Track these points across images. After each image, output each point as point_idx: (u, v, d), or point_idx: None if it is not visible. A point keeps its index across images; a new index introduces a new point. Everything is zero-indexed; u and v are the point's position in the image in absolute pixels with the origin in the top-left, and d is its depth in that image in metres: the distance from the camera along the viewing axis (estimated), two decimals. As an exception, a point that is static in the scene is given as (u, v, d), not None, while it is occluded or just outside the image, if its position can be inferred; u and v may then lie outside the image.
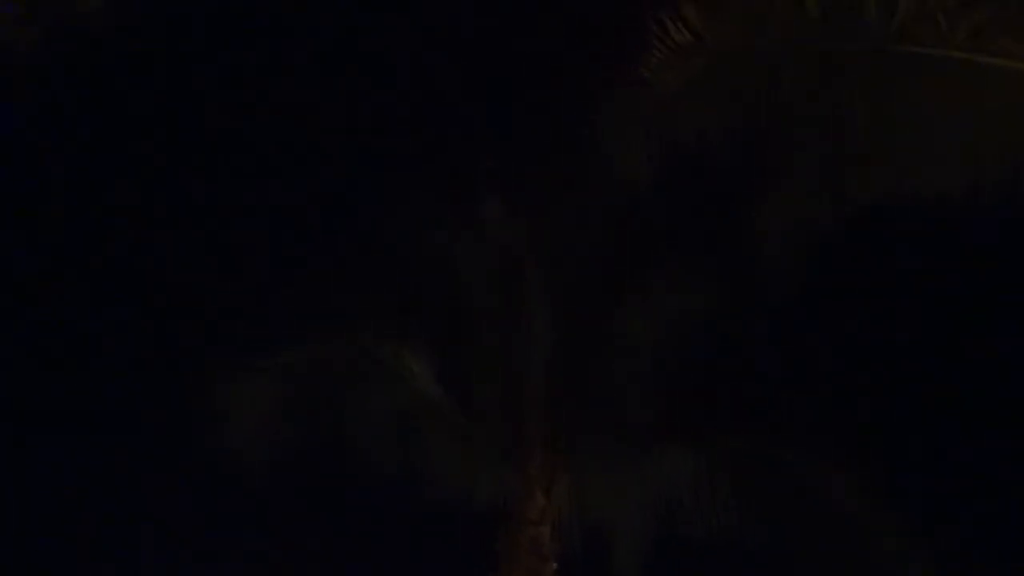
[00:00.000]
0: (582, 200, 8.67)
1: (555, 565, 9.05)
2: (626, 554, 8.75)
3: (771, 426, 8.56)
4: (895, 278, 8.57)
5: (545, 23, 8.35)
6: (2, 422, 9.71)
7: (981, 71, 6.54)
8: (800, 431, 8.53)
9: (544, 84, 8.55)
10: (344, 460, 8.96)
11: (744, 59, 6.71)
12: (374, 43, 9.03)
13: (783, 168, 7.53)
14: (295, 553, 9.79)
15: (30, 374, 9.76)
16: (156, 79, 9.04)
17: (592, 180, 8.22)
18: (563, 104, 8.20)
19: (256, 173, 9.32)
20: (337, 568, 9.87)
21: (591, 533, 8.92)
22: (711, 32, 6.56)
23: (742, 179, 7.87)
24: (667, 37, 6.60)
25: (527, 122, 8.82)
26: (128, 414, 9.80)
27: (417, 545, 9.77)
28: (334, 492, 9.44)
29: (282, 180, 9.39)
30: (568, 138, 8.03)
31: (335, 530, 9.85)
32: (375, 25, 8.89)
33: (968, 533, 8.68)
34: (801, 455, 8.58)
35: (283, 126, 9.14)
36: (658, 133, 7.10)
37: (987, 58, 6.47)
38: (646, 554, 8.75)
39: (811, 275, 8.02)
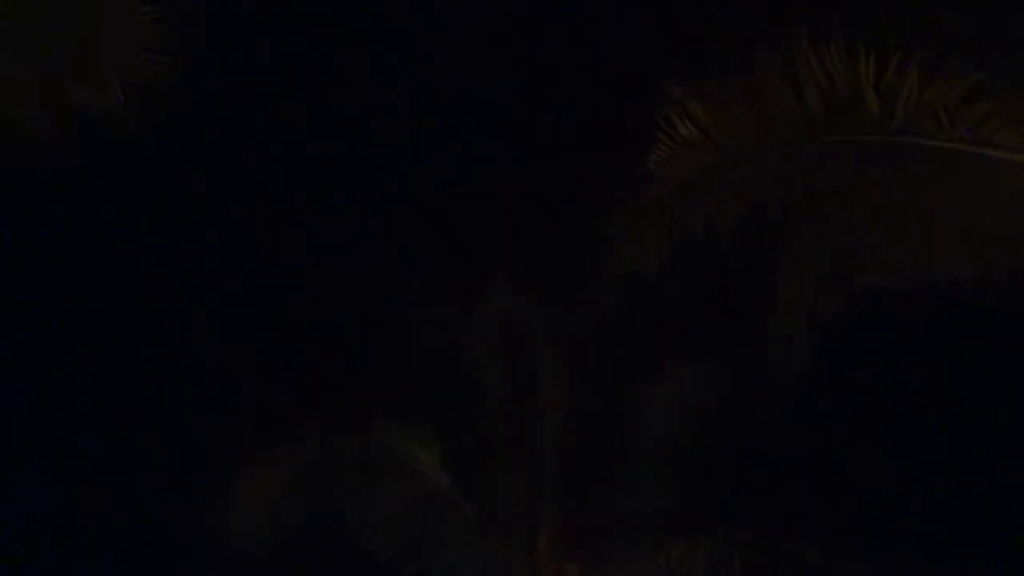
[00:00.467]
0: (593, 288, 8.74)
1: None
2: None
3: (783, 517, 8.54)
4: (906, 365, 8.60)
5: (556, 116, 8.49)
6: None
7: (985, 162, 6.63)
8: (813, 522, 8.51)
9: (554, 175, 8.66)
10: (353, 547, 8.93)
11: (750, 153, 6.80)
12: (385, 131, 9.16)
13: (792, 256, 7.60)
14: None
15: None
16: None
17: (603, 269, 8.29)
18: (573, 195, 8.31)
19: (263, 263, 9.39)
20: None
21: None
22: (717, 127, 6.67)
23: (752, 267, 7.94)
24: (675, 132, 6.70)
25: (538, 211, 8.92)
26: (140, 497, 9.80)
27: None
28: (344, 580, 9.41)
29: (293, 269, 9.46)
30: (578, 228, 8.12)
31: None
32: (388, 119, 9.04)
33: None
34: (813, 547, 8.55)
35: (286, 216, 9.24)
36: (667, 224, 7.17)
37: (990, 150, 6.56)
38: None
39: (822, 362, 8.06)
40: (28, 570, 9.79)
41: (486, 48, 8.64)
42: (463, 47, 8.60)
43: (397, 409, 9.14)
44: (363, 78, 8.92)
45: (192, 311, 9.67)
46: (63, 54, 5.98)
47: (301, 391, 9.18)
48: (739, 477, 8.60)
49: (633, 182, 7.09)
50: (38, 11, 5.88)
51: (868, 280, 7.26)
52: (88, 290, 9.57)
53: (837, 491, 8.57)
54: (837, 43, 6.47)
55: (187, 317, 9.67)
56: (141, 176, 8.92)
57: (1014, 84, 6.45)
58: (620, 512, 8.95)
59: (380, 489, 9.12)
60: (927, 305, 7.19)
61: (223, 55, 7.82)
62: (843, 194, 6.93)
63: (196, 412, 9.69)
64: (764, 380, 8.27)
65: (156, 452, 9.70)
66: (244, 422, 9.23)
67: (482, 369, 9.20)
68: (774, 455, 8.63)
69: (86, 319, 9.63)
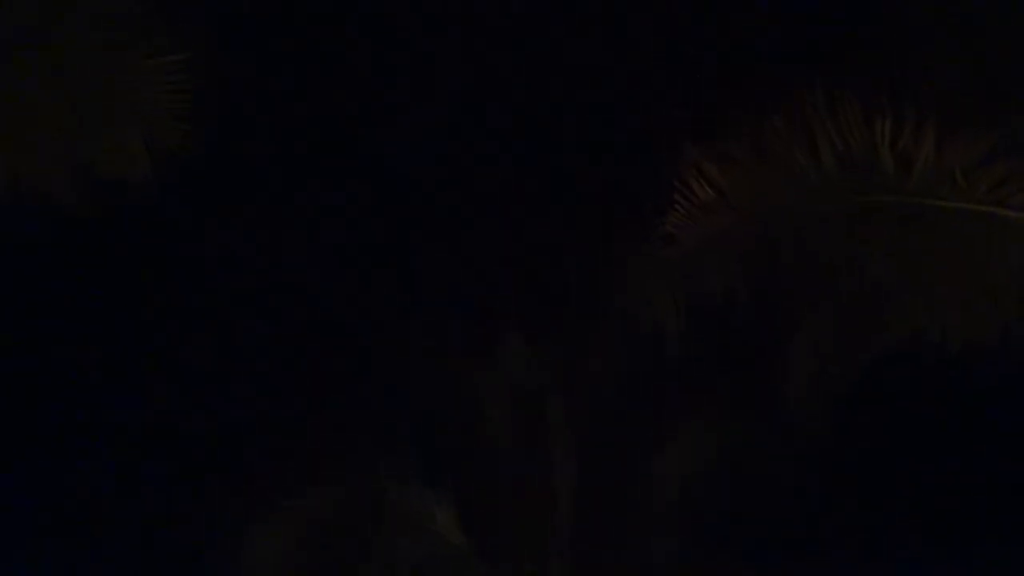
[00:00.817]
0: (607, 344, 8.73)
1: None
2: None
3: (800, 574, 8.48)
4: (925, 429, 8.54)
5: (574, 174, 8.51)
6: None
7: (1004, 223, 6.61)
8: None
9: (571, 231, 8.66)
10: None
11: (766, 214, 6.80)
12: (403, 183, 9.19)
13: (809, 318, 7.58)
14: None
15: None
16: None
17: (618, 327, 8.29)
18: (589, 251, 8.31)
19: (281, 322, 9.40)
20: None
21: None
22: (733, 189, 6.67)
23: (767, 325, 7.92)
24: (691, 194, 6.71)
25: (553, 267, 8.91)
26: (149, 551, 9.77)
27: None
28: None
29: (308, 326, 9.46)
30: (593, 285, 8.12)
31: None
32: (409, 171, 9.07)
33: None
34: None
35: (301, 276, 9.27)
36: (683, 284, 7.17)
37: (1009, 212, 6.54)
38: None
39: (839, 426, 8.01)
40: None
41: (503, 102, 8.68)
42: (474, 109, 8.64)
43: (409, 465, 9.12)
44: (384, 154, 8.99)
45: (209, 366, 9.68)
46: (91, 124, 6.04)
47: (312, 447, 9.15)
48: (752, 541, 8.53)
49: (649, 242, 7.10)
50: (65, 83, 5.94)
51: (886, 342, 7.24)
52: (102, 350, 9.60)
53: (853, 558, 8.50)
54: (852, 105, 6.48)
55: (204, 373, 9.67)
56: (167, 241, 8.97)
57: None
58: (635, 568, 8.88)
59: (392, 547, 9.08)
60: (946, 368, 7.14)
61: (249, 120, 7.88)
62: (860, 255, 6.92)
63: (208, 465, 9.67)
64: (779, 444, 8.22)
65: (166, 504, 9.67)
66: (255, 478, 9.20)
67: (495, 426, 9.17)
68: (788, 519, 8.57)
69: (102, 380, 9.65)
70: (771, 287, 7.10)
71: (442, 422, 9.22)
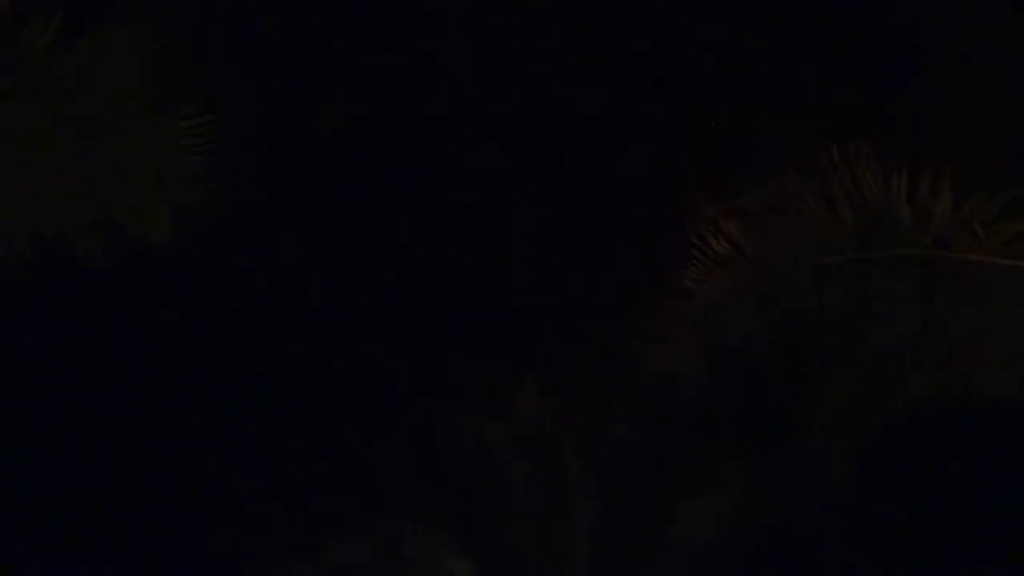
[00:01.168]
0: (627, 395, 8.71)
1: None
2: None
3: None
4: (951, 483, 8.46)
5: (591, 229, 8.54)
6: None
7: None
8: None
9: (589, 285, 8.69)
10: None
11: (785, 268, 6.80)
12: (419, 245, 9.25)
13: (831, 371, 7.54)
14: None
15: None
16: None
17: (638, 382, 8.28)
18: (609, 307, 8.33)
19: (304, 379, 9.45)
20: None
21: None
22: (751, 244, 6.68)
23: (789, 376, 7.89)
24: (709, 249, 6.73)
25: (572, 322, 8.93)
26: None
27: None
28: None
29: (328, 380, 9.51)
30: (613, 340, 8.12)
31: None
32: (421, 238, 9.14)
33: None
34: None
35: (318, 333, 9.33)
36: (704, 339, 7.17)
37: (1028, 264, 6.50)
38: None
39: (863, 478, 7.96)
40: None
41: (523, 155, 8.75)
42: (495, 164, 8.71)
43: (426, 515, 9.10)
44: (401, 205, 9.08)
45: (229, 417, 9.73)
46: (114, 185, 6.15)
47: (330, 497, 9.16)
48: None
49: (669, 296, 7.10)
50: (89, 144, 6.06)
51: (909, 394, 7.19)
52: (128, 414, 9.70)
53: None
54: (869, 159, 6.49)
55: (225, 424, 9.72)
56: (188, 296, 9.07)
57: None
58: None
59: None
60: (971, 419, 7.10)
61: (270, 181, 7.97)
62: (880, 308, 6.90)
63: (228, 516, 9.69)
64: (804, 496, 8.16)
65: (187, 555, 9.68)
66: (275, 528, 9.22)
67: (511, 475, 9.15)
68: (816, 562, 8.48)
69: (124, 435, 9.72)
70: (791, 340, 7.09)
71: (459, 471, 9.21)
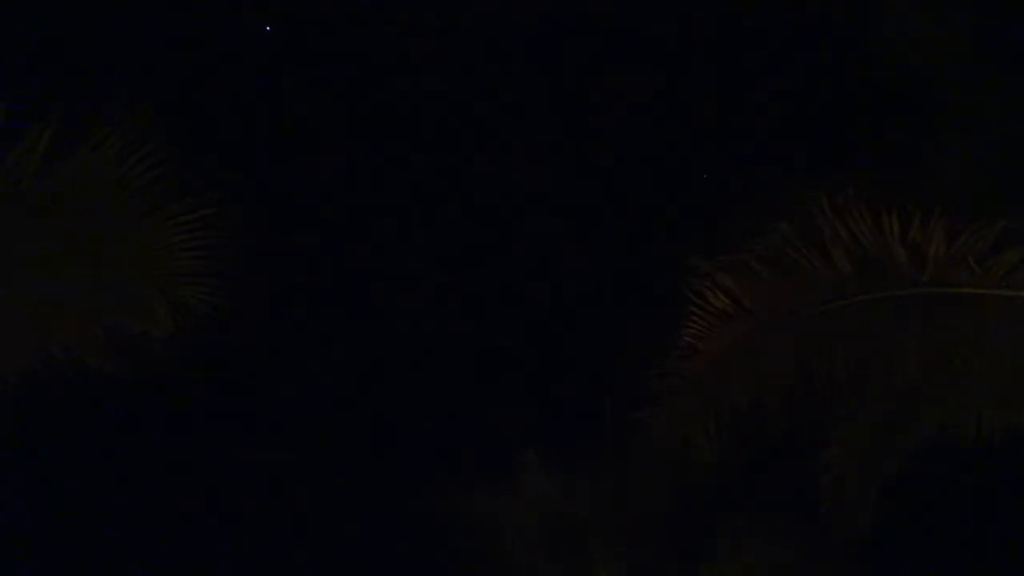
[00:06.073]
0: (637, 463, 8.65)
1: None
2: None
3: None
4: (971, 521, 8.38)
5: (587, 293, 8.57)
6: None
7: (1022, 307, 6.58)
8: None
9: (590, 351, 8.69)
10: None
11: (785, 319, 6.81)
12: (414, 316, 9.27)
13: (841, 418, 7.50)
14: None
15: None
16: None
17: (646, 445, 8.23)
18: (612, 374, 8.31)
19: (312, 472, 9.43)
20: None
21: None
22: (749, 297, 6.69)
23: (801, 433, 7.84)
24: (707, 305, 6.73)
25: (576, 390, 8.92)
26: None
27: None
28: None
29: (325, 465, 9.48)
30: (617, 404, 8.10)
31: None
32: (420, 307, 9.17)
33: None
34: None
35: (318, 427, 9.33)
36: (710, 397, 7.13)
37: (1024, 294, 6.51)
38: None
39: (883, 524, 7.87)
40: None
41: (516, 234, 8.81)
42: (483, 243, 8.79)
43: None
44: (413, 272, 9.14)
45: (241, 509, 9.70)
46: (115, 286, 6.21)
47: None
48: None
49: (671, 357, 7.08)
50: (89, 248, 6.12)
51: (923, 434, 7.14)
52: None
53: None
54: (858, 203, 6.52)
55: (237, 516, 9.70)
56: (191, 395, 9.10)
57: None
58: None
59: None
60: (987, 454, 7.04)
61: (267, 274, 8.02)
62: (885, 351, 6.88)
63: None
64: (823, 550, 8.07)
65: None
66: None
67: (526, 557, 9.05)
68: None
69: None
70: (800, 391, 7.06)
71: (469, 552, 9.14)
